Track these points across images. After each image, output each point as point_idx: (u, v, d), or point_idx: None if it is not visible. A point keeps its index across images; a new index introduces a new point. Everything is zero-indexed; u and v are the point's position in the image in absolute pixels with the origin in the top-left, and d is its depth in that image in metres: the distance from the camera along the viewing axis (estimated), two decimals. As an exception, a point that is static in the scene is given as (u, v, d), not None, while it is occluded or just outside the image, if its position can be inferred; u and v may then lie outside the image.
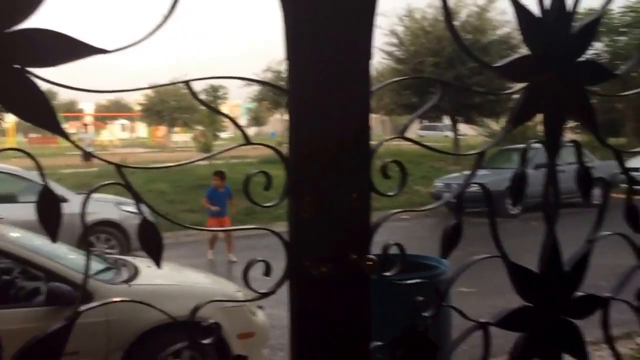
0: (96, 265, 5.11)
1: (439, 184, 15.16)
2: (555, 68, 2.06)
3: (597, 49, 22.12)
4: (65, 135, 1.58)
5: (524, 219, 10.90)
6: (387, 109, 26.45)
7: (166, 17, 1.55)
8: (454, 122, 23.96)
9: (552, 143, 2.12)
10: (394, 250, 1.88)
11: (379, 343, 1.87)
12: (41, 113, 1.50)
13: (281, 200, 1.77)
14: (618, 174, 2.42)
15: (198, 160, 2.02)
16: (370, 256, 1.78)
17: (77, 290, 4.24)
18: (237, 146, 1.82)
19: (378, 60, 24.53)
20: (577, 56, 2.11)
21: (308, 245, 1.76)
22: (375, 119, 38.92)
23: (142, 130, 53.41)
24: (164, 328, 4.34)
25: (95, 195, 1.65)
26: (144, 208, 1.70)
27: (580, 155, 2.29)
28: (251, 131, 42.40)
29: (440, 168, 19.30)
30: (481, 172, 2.14)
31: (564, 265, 2.20)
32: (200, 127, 27.36)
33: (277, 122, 42.39)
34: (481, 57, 2.14)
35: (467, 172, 2.12)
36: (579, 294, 2.25)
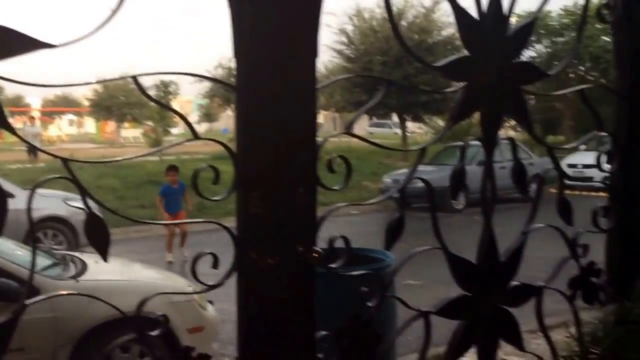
0: (43, 261, 5.00)
1: (387, 179, 15.32)
2: (492, 68, 2.16)
3: (537, 50, 22.75)
4: (12, 130, 1.57)
5: (468, 214, 11.06)
6: (337, 106, 26.60)
7: (114, 12, 1.56)
8: (402, 120, 24.28)
9: (489, 140, 2.22)
10: (340, 244, 1.94)
11: (325, 332, 1.92)
12: (-13, 107, 1.50)
13: (229, 195, 1.80)
14: (551, 169, 2.55)
15: (147, 154, 2.04)
16: (316, 249, 1.84)
17: (24, 286, 4.15)
18: (185, 141, 1.84)
19: (328, 59, 24.62)
20: (513, 57, 2.22)
21: (256, 238, 1.80)
22: (326, 116, 39.00)
23: (90, 125, 51.94)
24: (112, 324, 4.29)
25: (42, 191, 1.64)
26: (92, 203, 1.71)
27: (516, 152, 2.40)
28: (203, 127, 41.81)
29: (389, 164, 19.49)
30: (427, 168, 2.24)
31: (500, 256, 2.31)
32: (150, 123, 26.80)
33: (229, 119, 41.95)
34: (426, 57, 2.22)
35: (414, 168, 2.19)
36: (514, 283, 2.37)
